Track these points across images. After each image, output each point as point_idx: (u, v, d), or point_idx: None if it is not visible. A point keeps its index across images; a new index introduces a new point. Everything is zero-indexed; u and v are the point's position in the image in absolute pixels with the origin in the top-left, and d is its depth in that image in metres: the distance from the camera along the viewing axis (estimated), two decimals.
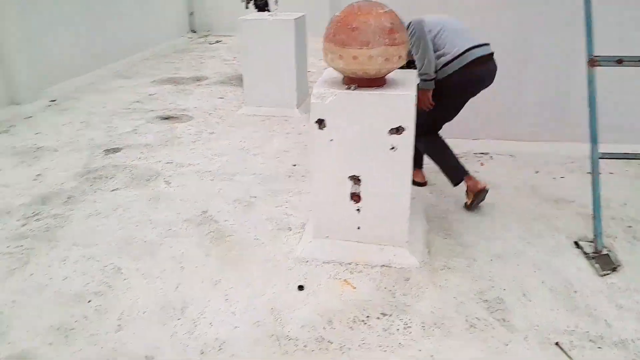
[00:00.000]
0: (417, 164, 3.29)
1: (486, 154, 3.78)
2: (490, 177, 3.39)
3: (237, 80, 5.91)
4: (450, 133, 3.84)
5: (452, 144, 3.81)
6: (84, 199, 3.19)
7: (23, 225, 2.87)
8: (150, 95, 5.65)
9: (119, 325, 2.08)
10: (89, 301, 2.22)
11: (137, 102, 5.39)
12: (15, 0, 4.90)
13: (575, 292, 2.24)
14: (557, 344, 1.94)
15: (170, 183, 3.42)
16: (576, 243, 2.60)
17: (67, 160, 3.81)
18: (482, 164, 3.62)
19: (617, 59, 2.56)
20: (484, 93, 3.73)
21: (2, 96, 4.85)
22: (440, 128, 3.12)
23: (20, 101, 4.96)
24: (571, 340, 1.96)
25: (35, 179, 3.47)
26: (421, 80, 2.79)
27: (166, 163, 3.75)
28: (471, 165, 3.60)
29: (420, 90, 2.77)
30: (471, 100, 3.76)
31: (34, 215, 2.98)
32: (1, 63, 4.81)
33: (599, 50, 2.57)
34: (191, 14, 9.61)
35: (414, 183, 3.25)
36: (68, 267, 2.47)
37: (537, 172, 3.48)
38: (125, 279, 2.38)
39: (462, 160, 3.05)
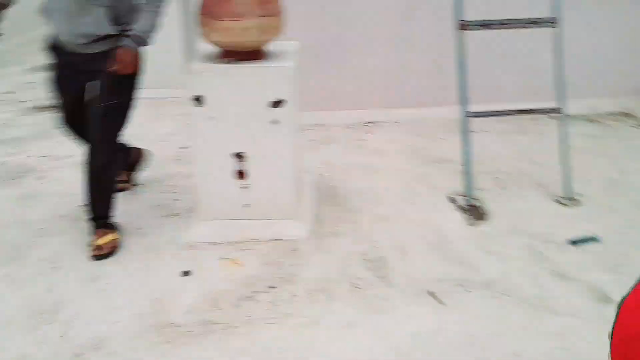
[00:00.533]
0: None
1: (372, 122, 3.89)
2: (376, 144, 3.50)
3: None
4: (338, 105, 3.92)
5: (341, 115, 3.91)
6: None
7: None
8: (26, 83, 5.15)
9: None
10: None
11: (9, 92, 4.89)
12: None
13: (450, 243, 2.39)
14: (430, 292, 2.06)
15: (45, 178, 3.15)
16: (452, 198, 2.77)
17: None
18: (368, 132, 3.72)
19: (484, 23, 2.71)
20: (369, 63, 3.83)
21: None
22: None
23: None
24: (444, 287, 2.09)
25: None
26: (141, 41, 2.17)
27: (40, 157, 3.45)
28: (358, 134, 3.69)
29: (135, 53, 2.15)
30: (356, 70, 3.84)
31: None
32: None
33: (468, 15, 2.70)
34: None
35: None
36: None
37: (418, 135, 3.65)
38: None
39: None
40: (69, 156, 3.43)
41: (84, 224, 2.62)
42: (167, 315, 1.99)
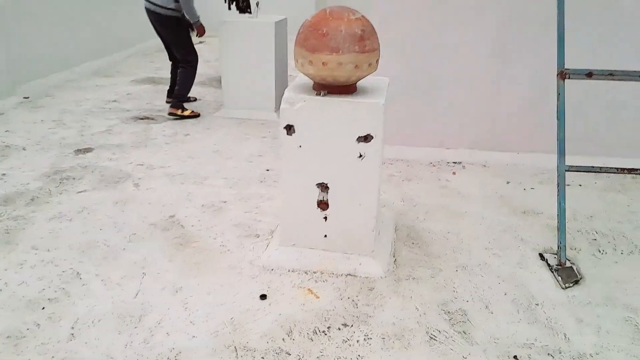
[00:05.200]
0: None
1: (459, 163, 3.79)
2: (461, 187, 3.40)
3: (217, 82, 5.85)
4: (424, 142, 3.86)
5: (425, 152, 3.84)
6: (48, 200, 3.12)
7: None
8: (127, 94, 5.58)
9: (72, 333, 2.02)
10: (42, 308, 2.16)
11: (114, 101, 5.31)
12: None
13: (537, 304, 2.24)
14: (515, 357, 1.93)
15: (139, 185, 3.36)
16: (541, 255, 2.62)
17: (35, 159, 3.73)
18: (454, 173, 3.62)
19: (587, 72, 2.58)
20: (458, 101, 3.76)
21: None
22: None
23: None
24: (529, 354, 1.95)
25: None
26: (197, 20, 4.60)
27: (137, 165, 3.69)
28: (443, 174, 3.61)
29: (200, 25, 4.64)
30: (444, 108, 3.78)
31: None
32: None
33: (570, 64, 2.59)
34: None
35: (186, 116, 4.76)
36: (25, 271, 2.40)
37: (508, 182, 3.50)
38: (83, 285, 2.32)
39: None
40: (163, 167, 3.65)
41: (171, 234, 2.76)
42: (243, 337, 2.02)
